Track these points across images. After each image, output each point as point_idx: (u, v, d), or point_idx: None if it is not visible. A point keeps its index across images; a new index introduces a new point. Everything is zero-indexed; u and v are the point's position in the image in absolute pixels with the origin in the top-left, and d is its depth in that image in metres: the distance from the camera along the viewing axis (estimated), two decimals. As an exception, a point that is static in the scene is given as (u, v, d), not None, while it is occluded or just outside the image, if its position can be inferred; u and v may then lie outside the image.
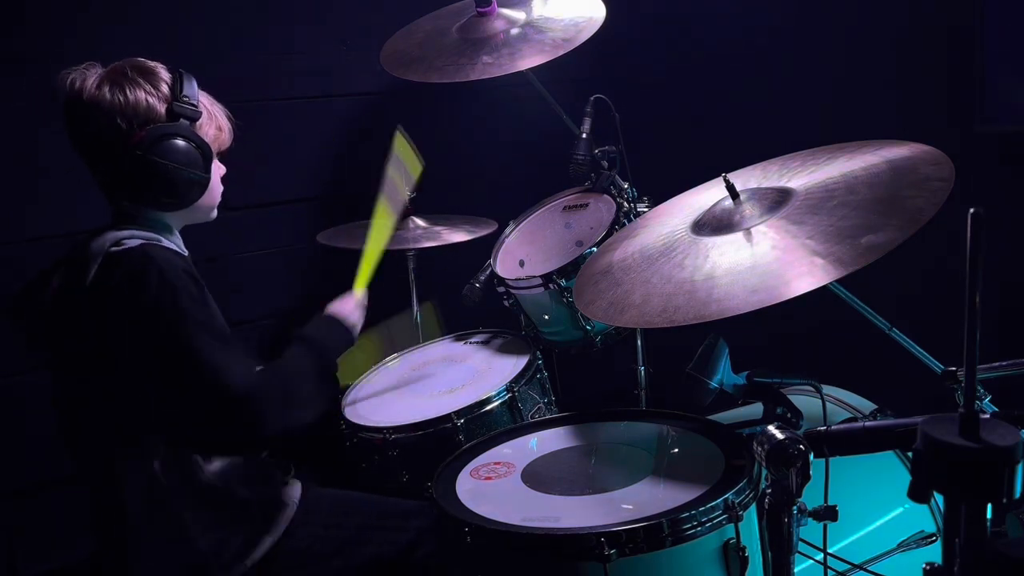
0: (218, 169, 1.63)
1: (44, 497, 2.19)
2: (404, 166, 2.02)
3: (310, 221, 2.66)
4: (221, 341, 1.43)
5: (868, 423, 1.22)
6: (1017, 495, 0.86)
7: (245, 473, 1.59)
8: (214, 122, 1.60)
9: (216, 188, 1.62)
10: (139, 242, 1.48)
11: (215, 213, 1.66)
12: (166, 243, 1.54)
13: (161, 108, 1.50)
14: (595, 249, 1.96)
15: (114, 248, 1.46)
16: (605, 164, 2.19)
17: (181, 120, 1.51)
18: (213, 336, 1.42)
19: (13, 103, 2.14)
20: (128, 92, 1.48)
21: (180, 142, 1.49)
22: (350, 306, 1.76)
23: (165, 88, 1.51)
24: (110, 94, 1.47)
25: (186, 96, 1.52)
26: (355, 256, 1.85)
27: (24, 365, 2.15)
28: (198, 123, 1.54)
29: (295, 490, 1.69)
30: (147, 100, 1.49)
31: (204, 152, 1.53)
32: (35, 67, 1.48)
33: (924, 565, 1.05)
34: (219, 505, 1.54)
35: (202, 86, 1.58)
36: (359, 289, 1.83)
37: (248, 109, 2.49)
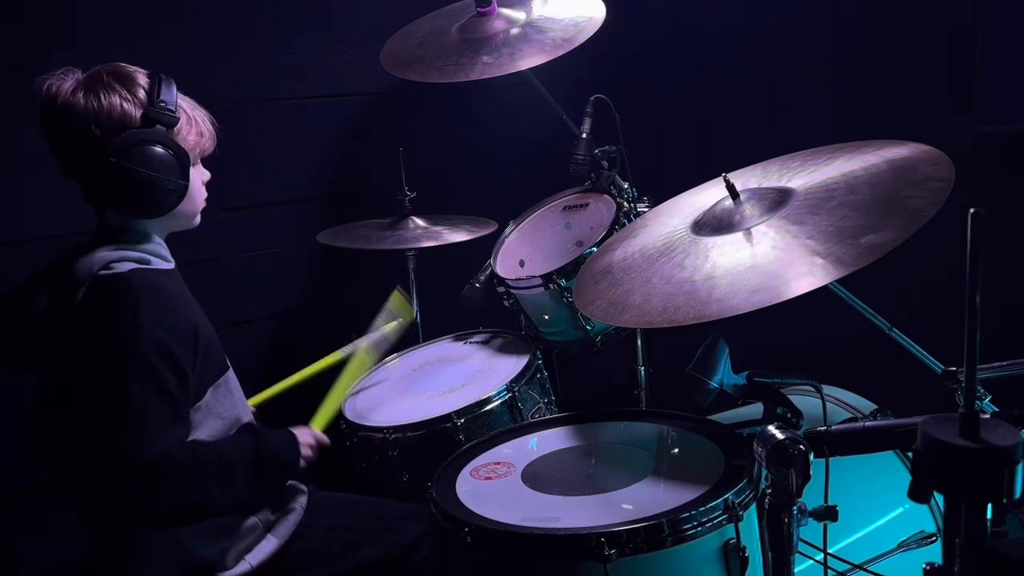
0: (200, 175, 1.58)
1: (44, 497, 2.19)
2: (397, 317, 2.05)
3: (310, 221, 2.66)
4: (162, 398, 1.37)
5: (868, 423, 1.23)
6: (1017, 495, 0.86)
7: None
8: (194, 127, 1.53)
9: (197, 194, 1.57)
10: (129, 267, 1.44)
11: (198, 220, 1.61)
12: (157, 264, 1.50)
13: (136, 113, 1.43)
14: (595, 249, 1.96)
15: (103, 272, 1.43)
16: (605, 164, 2.19)
17: (157, 126, 1.44)
18: (156, 390, 1.36)
19: (11, 103, 2.14)
20: (103, 97, 1.42)
21: (155, 148, 1.43)
22: (309, 437, 1.67)
23: (141, 93, 1.45)
24: (84, 99, 1.42)
25: (163, 101, 1.45)
26: (355, 256, 1.82)
27: (24, 365, 2.14)
28: (176, 128, 1.48)
29: (301, 493, 1.67)
30: (122, 106, 1.43)
31: (181, 158, 1.47)
32: (33, 68, 1.46)
33: (924, 565, 1.05)
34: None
35: (203, 86, 1.56)
36: (318, 429, 1.74)
37: (248, 109, 2.52)
